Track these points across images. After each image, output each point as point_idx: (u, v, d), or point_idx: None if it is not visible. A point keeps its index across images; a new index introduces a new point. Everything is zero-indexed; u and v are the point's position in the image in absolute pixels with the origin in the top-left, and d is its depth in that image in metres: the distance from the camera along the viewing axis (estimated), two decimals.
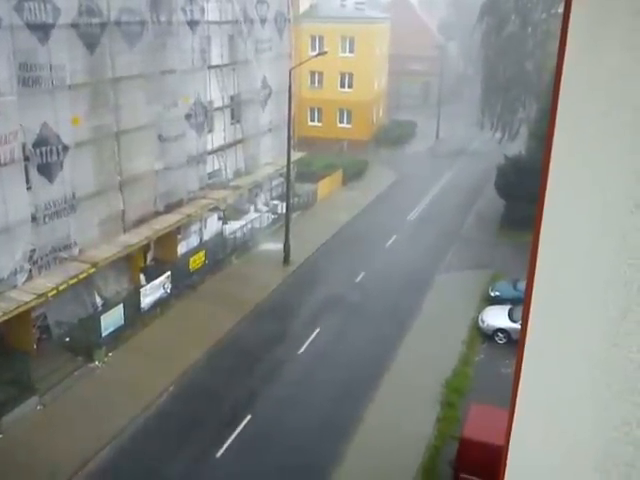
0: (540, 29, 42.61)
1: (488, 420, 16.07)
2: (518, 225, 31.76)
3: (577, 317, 2.22)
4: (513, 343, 22.69)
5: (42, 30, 20.85)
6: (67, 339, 23.00)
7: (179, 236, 30.25)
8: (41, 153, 21.40)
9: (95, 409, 19.94)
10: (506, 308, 25.41)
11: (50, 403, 20.38)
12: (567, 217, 2.50)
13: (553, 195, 2.75)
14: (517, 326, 22.20)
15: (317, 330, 25.36)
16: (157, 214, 27.96)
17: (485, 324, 25.19)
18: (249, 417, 20.08)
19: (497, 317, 25.15)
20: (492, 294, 27.97)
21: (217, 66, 32.20)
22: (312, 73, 53.84)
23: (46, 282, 21.63)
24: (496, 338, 24.69)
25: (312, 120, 55.99)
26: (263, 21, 35.57)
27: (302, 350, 24.06)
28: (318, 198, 41.49)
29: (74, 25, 22.27)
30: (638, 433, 1.58)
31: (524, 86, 42.87)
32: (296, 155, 38.31)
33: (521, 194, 30.39)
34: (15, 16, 19.81)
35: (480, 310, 26.57)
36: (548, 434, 2.55)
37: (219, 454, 18.58)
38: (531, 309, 3.01)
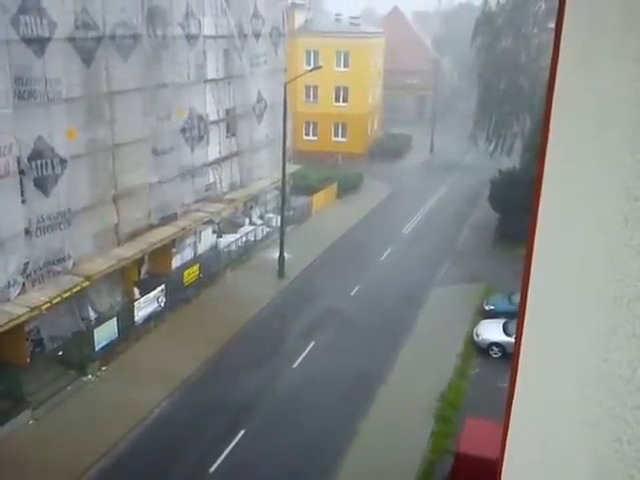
0: (533, 43, 43.05)
1: (483, 434, 16.01)
2: (512, 238, 31.84)
3: (569, 332, 2.23)
4: (508, 357, 22.66)
5: (38, 44, 20.92)
6: (60, 353, 22.84)
7: (173, 249, 30.21)
8: (36, 166, 21.40)
9: (87, 424, 19.75)
10: (501, 322, 25.39)
11: (42, 417, 20.20)
12: (559, 231, 2.51)
13: (546, 209, 2.76)
14: (512, 340, 22.18)
15: (312, 344, 25.26)
16: (151, 227, 27.93)
17: (480, 338, 25.15)
18: (243, 431, 19.93)
19: (492, 331, 25.11)
20: (487, 308, 27.97)
21: (212, 80, 32.35)
22: (307, 87, 54.16)
23: (40, 295, 21.53)
24: (491, 352, 24.65)
25: (307, 134, 56.25)
26: (258, 36, 35.80)
27: (296, 364, 23.93)
28: (313, 211, 41.53)
29: (70, 39, 22.35)
30: (628, 450, 1.58)
31: (518, 100, 43.19)
32: (291, 168, 38.40)
33: (515, 208, 30.50)
34: (11, 30, 19.87)
35: (475, 324, 26.54)
36: (542, 449, 2.54)
37: (213, 467, 18.42)
38: (525, 323, 3.01)
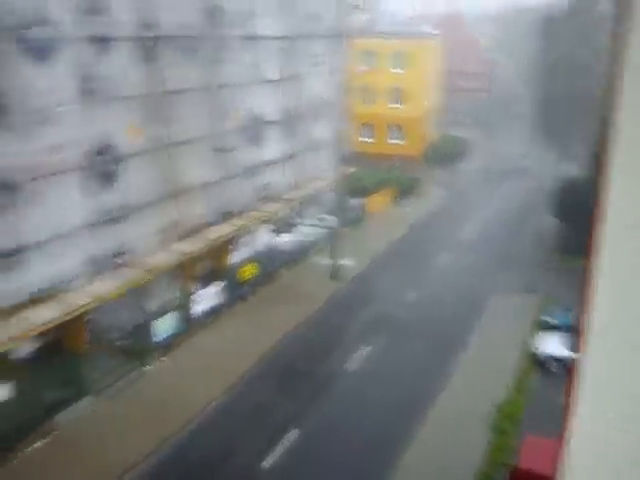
0: (597, 47, 41.85)
1: (541, 451, 15.68)
2: (573, 249, 30.99)
3: (635, 350, 2.21)
4: (567, 372, 22.08)
5: (103, 43, 21.75)
6: (121, 343, 23.62)
7: (231, 247, 30.74)
8: (99, 162, 22.21)
9: (146, 412, 20.39)
10: (561, 335, 24.58)
11: (102, 404, 20.97)
12: (626, 243, 2.49)
13: (611, 220, 2.70)
14: (572, 354, 21.60)
15: (366, 348, 25.14)
16: (210, 225, 28.52)
17: (539, 351, 24.35)
18: (296, 431, 20.04)
19: (551, 344, 24.34)
20: (546, 320, 27.02)
21: (271, 80, 32.75)
22: (364, 88, 54.12)
23: (102, 287, 22.33)
24: (550, 366, 23.90)
25: (363, 135, 56.17)
26: (316, 37, 36.04)
27: (350, 367, 23.89)
28: (369, 214, 41.48)
29: (133, 38, 23.11)
30: None
31: (580, 105, 42.04)
32: (347, 170, 38.49)
33: (576, 217, 29.71)
34: (78, 29, 20.70)
35: (533, 336, 25.75)
36: (599, 469, 2.49)
37: (267, 464, 18.65)
38: (587, 339, 2.87)
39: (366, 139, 56.00)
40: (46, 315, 20.19)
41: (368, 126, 56.10)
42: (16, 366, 19.95)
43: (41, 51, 19.74)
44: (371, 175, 45.89)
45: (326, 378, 23.12)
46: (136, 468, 18.23)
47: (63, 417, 20.09)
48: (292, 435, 19.83)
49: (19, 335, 19.23)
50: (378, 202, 43.23)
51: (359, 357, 24.55)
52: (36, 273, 20.31)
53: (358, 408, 21.38)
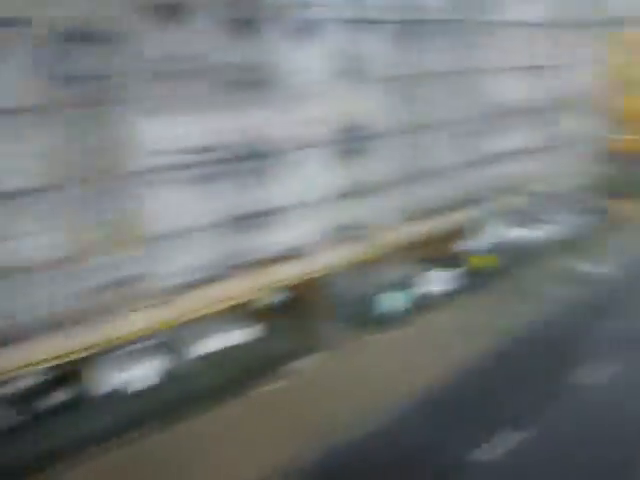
0: None
1: None
2: None
3: None
4: None
5: (361, 25, 23.20)
6: (349, 309, 24.89)
7: (464, 234, 30.46)
8: (348, 139, 23.74)
9: (364, 379, 21.12)
10: None
11: (328, 362, 22.28)
12: None
13: None
14: None
15: (609, 365, 22.27)
16: (445, 209, 28.65)
17: None
18: (513, 433, 18.66)
19: None
20: None
21: (522, 68, 31.71)
22: (629, 81, 49.13)
23: (338, 255, 23.91)
24: None
25: (626, 132, 51.01)
26: (576, 25, 33.91)
27: (586, 381, 21.38)
28: (621, 218, 37.52)
29: (390, 21, 24.27)
30: None
31: None
32: (600, 168, 35.60)
33: None
34: (339, 11, 22.34)
35: None
36: None
37: (477, 457, 18.13)
38: None
39: (631, 136, 50.75)
40: (288, 273, 22.39)
41: (633, 123, 50.73)
42: (262, 313, 22.38)
43: (304, 31, 21.83)
44: (630, 176, 41.58)
45: (556, 387, 21.17)
46: (345, 432, 18.55)
47: (295, 365, 21.92)
48: (507, 435, 18.60)
49: (264, 286, 21.62)
50: (633, 207, 38.95)
51: (599, 372, 21.89)
52: (281, 235, 22.50)
53: (588, 425, 19.08)
